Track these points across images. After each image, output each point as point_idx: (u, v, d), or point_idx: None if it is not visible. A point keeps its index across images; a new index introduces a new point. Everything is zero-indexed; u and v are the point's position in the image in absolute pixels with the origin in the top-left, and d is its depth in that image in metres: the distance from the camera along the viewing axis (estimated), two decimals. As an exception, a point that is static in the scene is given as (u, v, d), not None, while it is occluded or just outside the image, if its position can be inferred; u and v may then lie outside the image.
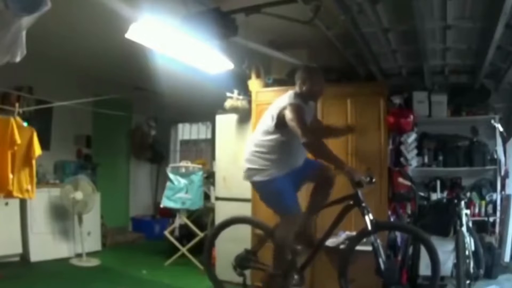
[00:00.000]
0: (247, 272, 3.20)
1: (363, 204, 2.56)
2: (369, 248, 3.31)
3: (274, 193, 2.71)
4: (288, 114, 2.60)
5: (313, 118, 3.02)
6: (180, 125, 7.61)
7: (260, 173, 2.71)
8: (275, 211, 2.79)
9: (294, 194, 2.75)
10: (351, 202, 2.63)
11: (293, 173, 2.74)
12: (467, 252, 3.45)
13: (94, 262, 4.86)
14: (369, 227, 2.53)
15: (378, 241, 2.58)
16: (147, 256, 5.43)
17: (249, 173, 2.77)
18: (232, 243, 3.41)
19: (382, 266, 2.51)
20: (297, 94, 2.75)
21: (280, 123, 2.66)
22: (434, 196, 4.15)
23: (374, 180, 2.66)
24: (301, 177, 2.82)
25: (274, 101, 2.82)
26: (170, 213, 5.57)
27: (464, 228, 3.51)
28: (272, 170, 2.68)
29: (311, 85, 2.76)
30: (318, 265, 3.60)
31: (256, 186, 2.82)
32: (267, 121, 2.76)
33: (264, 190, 2.78)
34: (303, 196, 2.93)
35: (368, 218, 2.53)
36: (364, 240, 3.45)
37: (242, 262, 3.05)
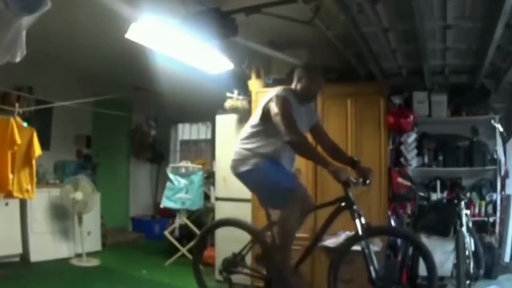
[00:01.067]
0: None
1: (354, 207, 2.42)
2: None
3: (262, 179, 2.57)
4: (273, 108, 2.47)
5: (317, 125, 2.86)
6: (180, 125, 7.61)
7: (243, 163, 2.60)
8: (272, 204, 2.64)
9: (287, 172, 2.61)
10: (343, 204, 2.48)
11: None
12: (467, 252, 3.45)
13: (94, 262, 4.86)
14: (360, 232, 2.38)
15: (371, 247, 2.41)
16: (147, 256, 5.43)
17: (233, 164, 2.67)
18: (232, 243, 3.40)
19: (373, 274, 2.33)
20: (290, 91, 2.64)
21: (265, 117, 2.56)
22: (434, 196, 4.13)
23: (368, 181, 2.53)
24: None
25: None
26: (170, 213, 5.58)
27: (464, 228, 3.51)
28: (255, 159, 2.57)
29: (308, 84, 2.63)
30: (317, 265, 3.60)
31: (242, 178, 2.67)
32: (254, 115, 2.70)
33: (252, 179, 2.64)
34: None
35: (359, 222, 2.38)
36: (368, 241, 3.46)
37: (229, 266, 2.90)
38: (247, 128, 2.71)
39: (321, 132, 2.88)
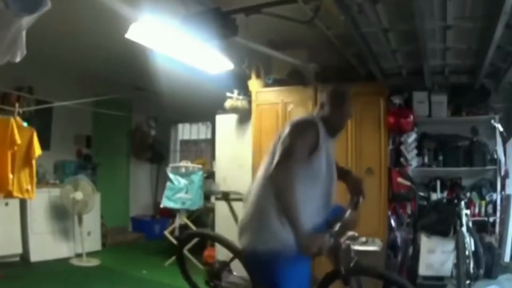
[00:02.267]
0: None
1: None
2: (370, 248, 3.30)
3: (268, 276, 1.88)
4: (287, 135, 1.86)
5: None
6: (180, 125, 7.61)
7: (268, 238, 1.87)
8: None
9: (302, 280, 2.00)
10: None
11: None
12: (467, 252, 3.45)
13: (94, 262, 4.86)
14: (342, 271, 2.02)
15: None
16: (147, 256, 5.43)
17: (247, 239, 1.95)
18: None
19: None
20: (321, 118, 2.02)
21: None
22: (434, 196, 4.14)
23: (360, 202, 2.08)
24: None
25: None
26: (170, 213, 5.58)
27: (464, 228, 3.51)
28: (285, 235, 1.78)
29: (330, 114, 2.02)
30: (317, 265, 3.59)
31: (255, 257, 1.94)
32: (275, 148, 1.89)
33: (267, 265, 1.88)
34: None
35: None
36: (364, 239, 3.43)
37: (214, 277, 2.73)
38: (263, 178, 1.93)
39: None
